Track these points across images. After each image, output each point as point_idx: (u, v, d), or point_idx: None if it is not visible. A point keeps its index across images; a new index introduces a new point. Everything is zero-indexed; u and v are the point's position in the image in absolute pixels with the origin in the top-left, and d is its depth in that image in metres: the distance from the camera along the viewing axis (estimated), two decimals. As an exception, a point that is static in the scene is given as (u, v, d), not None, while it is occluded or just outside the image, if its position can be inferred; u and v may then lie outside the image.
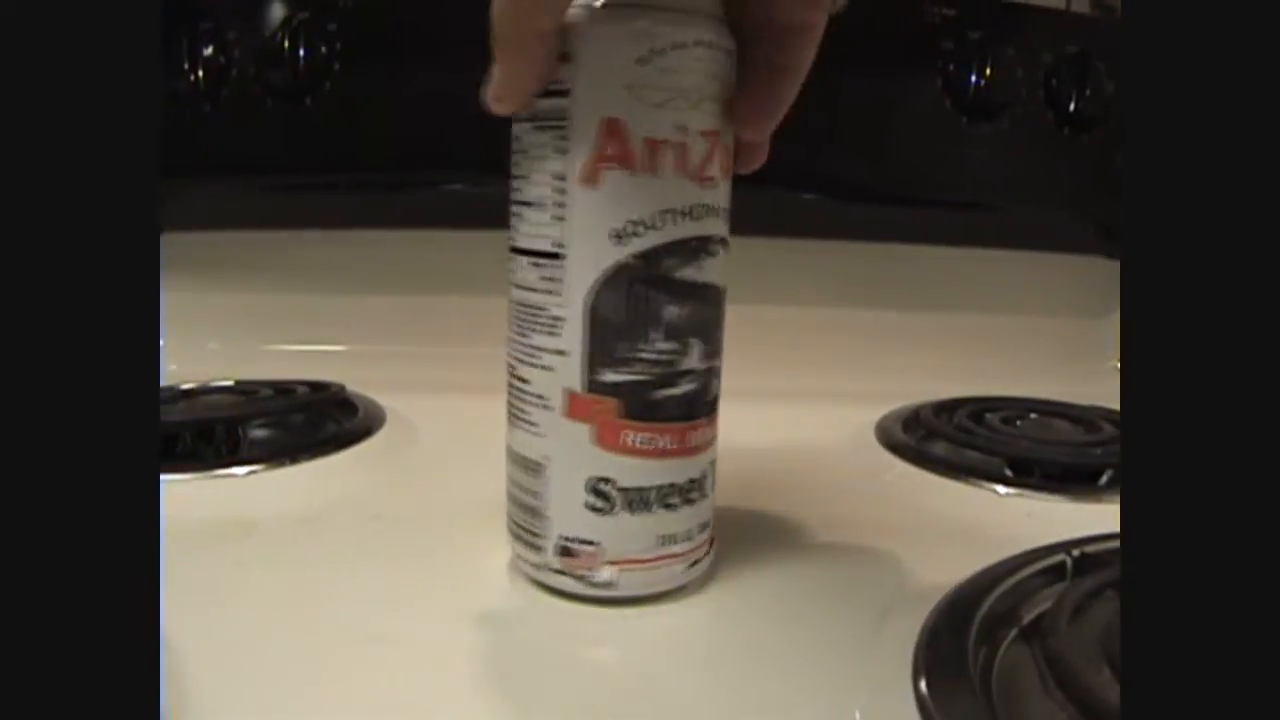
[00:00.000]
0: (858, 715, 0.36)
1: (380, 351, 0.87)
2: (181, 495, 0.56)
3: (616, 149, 0.39)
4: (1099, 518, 0.54)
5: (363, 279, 0.89)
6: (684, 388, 0.42)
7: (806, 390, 0.80)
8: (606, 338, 0.40)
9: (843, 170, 0.84)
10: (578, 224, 0.40)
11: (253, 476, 0.59)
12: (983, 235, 0.90)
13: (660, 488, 0.42)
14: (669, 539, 0.43)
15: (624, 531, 0.42)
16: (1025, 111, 0.84)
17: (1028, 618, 0.41)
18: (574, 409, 0.41)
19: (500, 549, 0.46)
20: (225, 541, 0.50)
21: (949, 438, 0.66)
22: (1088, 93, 0.84)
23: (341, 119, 0.82)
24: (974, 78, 0.82)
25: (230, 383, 0.75)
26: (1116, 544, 0.47)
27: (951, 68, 0.82)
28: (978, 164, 0.84)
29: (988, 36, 0.82)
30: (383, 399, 0.74)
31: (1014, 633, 0.41)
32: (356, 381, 0.76)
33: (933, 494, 0.60)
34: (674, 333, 0.41)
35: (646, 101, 0.39)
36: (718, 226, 0.42)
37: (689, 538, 0.44)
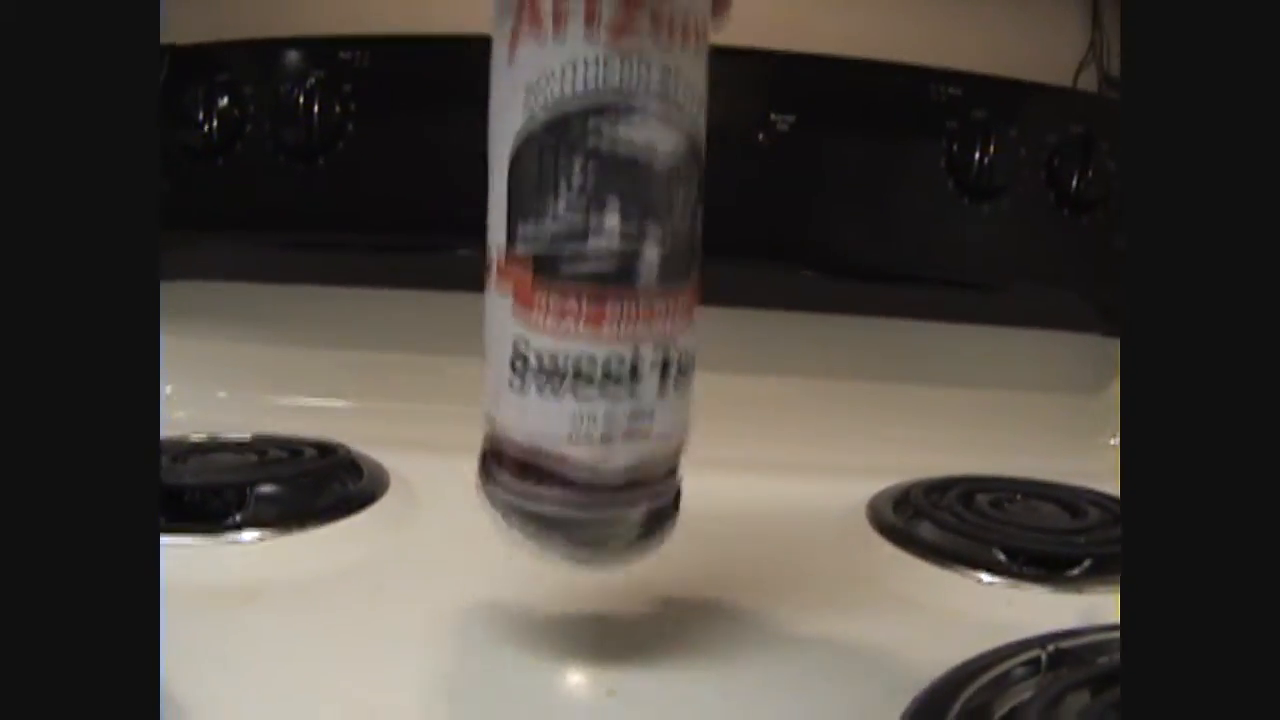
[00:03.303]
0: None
1: (385, 409, 0.91)
2: (190, 559, 0.60)
3: (530, 16, 0.41)
4: (1078, 608, 0.58)
5: (369, 336, 0.93)
6: (594, 253, 0.41)
7: (805, 464, 0.83)
8: (522, 201, 0.42)
9: (843, 247, 0.87)
10: (502, 93, 0.43)
11: (260, 543, 0.62)
12: (982, 312, 0.93)
13: (574, 360, 0.42)
14: (584, 418, 0.42)
15: (538, 408, 0.43)
16: (1026, 191, 0.87)
17: (998, 715, 0.43)
18: (500, 274, 0.43)
19: (495, 628, 0.50)
20: (229, 608, 0.53)
21: (937, 521, 0.69)
22: (1090, 173, 0.87)
23: (353, 179, 0.85)
24: (977, 156, 0.85)
25: (239, 437, 0.79)
26: (1092, 638, 0.49)
27: (955, 147, 0.85)
28: (978, 243, 0.88)
29: (992, 115, 0.86)
30: (385, 458, 0.77)
31: (985, 732, 0.43)
32: (360, 437, 0.79)
33: (917, 580, 0.63)
34: (582, 196, 0.41)
35: None
36: (644, 92, 0.41)
37: (610, 421, 0.43)
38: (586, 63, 0.40)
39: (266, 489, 0.68)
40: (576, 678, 0.50)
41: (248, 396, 0.91)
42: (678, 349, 0.44)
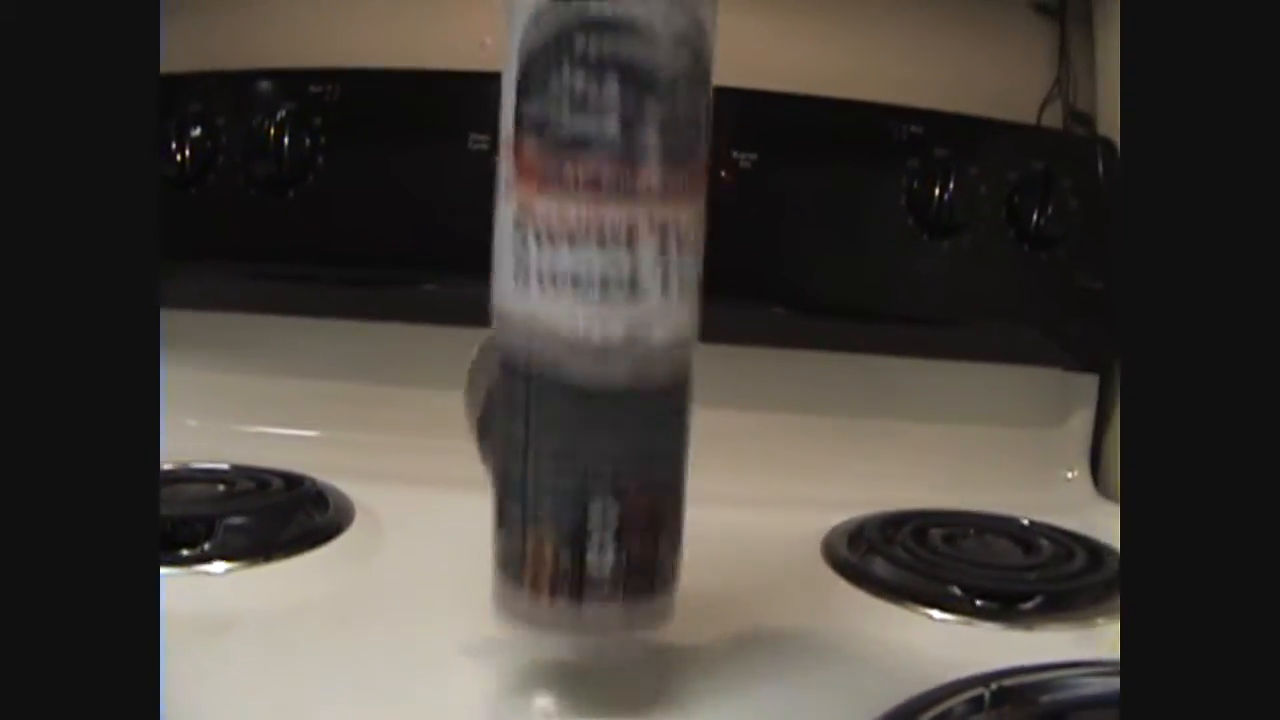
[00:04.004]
0: None
1: (352, 439, 0.93)
2: (164, 590, 0.63)
3: None
4: (1026, 645, 0.61)
5: (337, 368, 0.95)
6: (596, 162, 0.44)
7: (765, 498, 0.85)
8: (529, 112, 0.45)
9: (805, 283, 0.90)
10: (515, 17, 0.45)
11: (229, 575, 0.66)
12: (944, 347, 0.96)
13: (574, 264, 0.45)
14: (582, 320, 0.45)
15: (539, 310, 0.45)
16: (987, 228, 0.90)
17: None
18: (507, 184, 0.46)
19: (454, 661, 0.53)
20: (202, 639, 0.56)
21: (890, 557, 0.71)
22: (1050, 210, 0.89)
23: (323, 212, 0.88)
24: (937, 193, 0.88)
25: (209, 467, 0.82)
26: (1035, 677, 0.51)
27: (915, 184, 0.88)
28: (939, 279, 0.90)
29: (953, 153, 0.89)
30: (351, 489, 0.80)
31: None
32: (327, 467, 0.82)
33: (867, 617, 0.65)
34: (584, 108, 0.44)
35: None
36: (649, 12, 0.44)
37: (608, 326, 0.45)
38: None
39: (235, 521, 0.71)
40: (532, 713, 0.52)
41: (218, 425, 0.93)
42: (679, 254, 0.46)
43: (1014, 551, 0.76)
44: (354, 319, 0.94)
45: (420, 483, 0.71)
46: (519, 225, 0.46)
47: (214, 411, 0.94)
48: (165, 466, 0.80)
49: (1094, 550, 0.75)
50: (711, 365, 0.89)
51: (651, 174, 0.45)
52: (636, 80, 0.44)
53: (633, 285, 0.45)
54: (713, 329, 0.88)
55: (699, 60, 0.47)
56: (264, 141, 0.87)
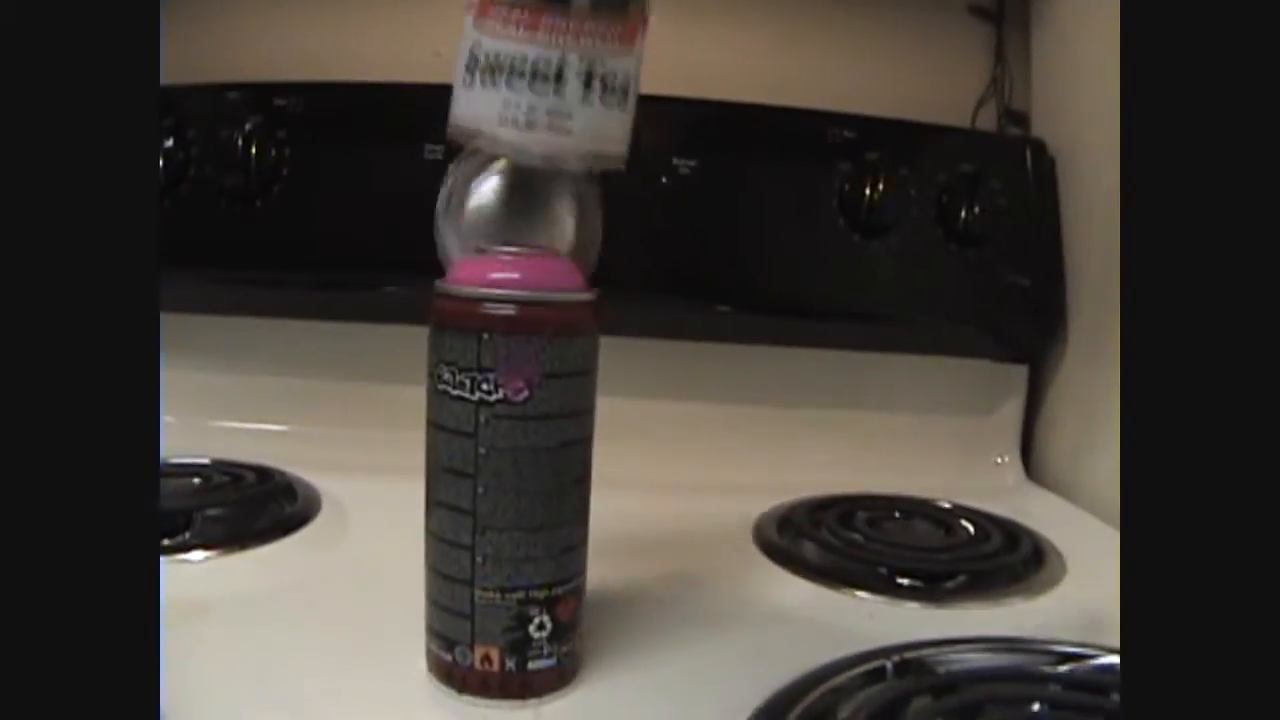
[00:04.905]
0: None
1: (319, 433, 0.99)
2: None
3: None
4: (937, 621, 0.67)
5: (305, 366, 1.02)
6: None
7: (702, 483, 0.92)
8: None
9: (742, 281, 0.97)
10: None
11: (208, 562, 0.72)
12: (877, 341, 1.02)
13: (511, 58, 0.53)
14: (512, 105, 0.53)
15: (480, 97, 0.54)
16: (916, 228, 0.96)
17: (843, 716, 0.51)
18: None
19: (414, 641, 0.58)
20: (187, 621, 0.62)
21: (818, 541, 0.77)
22: (977, 210, 0.95)
23: (288, 221, 0.95)
24: (868, 194, 0.94)
25: (186, 461, 0.89)
26: (937, 650, 0.58)
27: (846, 187, 0.95)
28: (871, 276, 0.97)
29: (884, 157, 0.95)
30: (319, 480, 0.87)
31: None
32: (295, 459, 0.90)
33: (793, 597, 0.71)
34: None
35: None
36: None
37: (533, 111, 0.53)
38: None
39: (212, 512, 0.77)
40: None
41: (193, 421, 1.00)
42: (605, 66, 0.54)
43: (935, 533, 0.83)
44: (320, 320, 1.00)
45: (382, 473, 0.75)
46: (470, 55, 0.54)
47: (191, 408, 1.00)
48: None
49: (1010, 532, 0.81)
50: (652, 359, 0.97)
51: (582, 20, 0.53)
52: None
53: (556, 113, 0.54)
54: (654, 325, 0.95)
55: None
56: (232, 153, 0.94)
